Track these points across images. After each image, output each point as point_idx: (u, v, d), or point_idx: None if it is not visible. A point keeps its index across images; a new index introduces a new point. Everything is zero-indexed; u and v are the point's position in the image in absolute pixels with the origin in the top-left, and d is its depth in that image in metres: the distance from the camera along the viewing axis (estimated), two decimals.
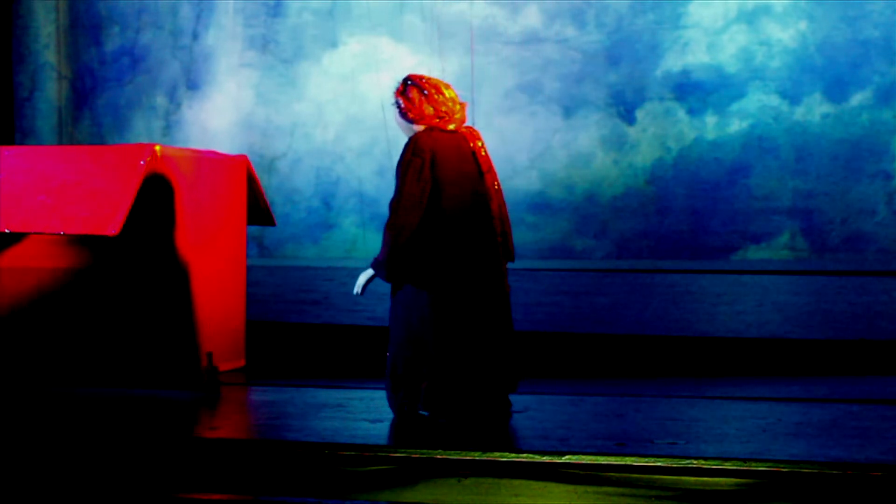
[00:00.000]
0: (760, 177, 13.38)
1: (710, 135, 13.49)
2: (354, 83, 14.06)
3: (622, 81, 13.64)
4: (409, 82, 6.31)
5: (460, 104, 6.33)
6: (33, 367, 7.47)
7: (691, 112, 13.52)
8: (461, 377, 6.14)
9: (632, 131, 13.64)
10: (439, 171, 6.15)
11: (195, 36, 14.57)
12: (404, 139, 6.31)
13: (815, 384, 7.52)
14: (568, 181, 13.74)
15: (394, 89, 6.35)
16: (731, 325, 8.92)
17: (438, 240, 6.13)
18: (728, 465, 5.15)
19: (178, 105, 14.61)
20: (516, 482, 5.14)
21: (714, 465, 5.17)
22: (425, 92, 6.27)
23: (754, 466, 5.13)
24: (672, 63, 13.54)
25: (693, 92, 13.51)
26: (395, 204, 6.12)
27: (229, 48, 14.49)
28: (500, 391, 6.28)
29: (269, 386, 7.51)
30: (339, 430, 6.00)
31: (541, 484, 5.10)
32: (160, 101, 14.66)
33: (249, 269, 8.24)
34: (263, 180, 13.48)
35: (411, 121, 6.29)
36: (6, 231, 7.21)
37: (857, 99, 13.23)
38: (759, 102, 13.37)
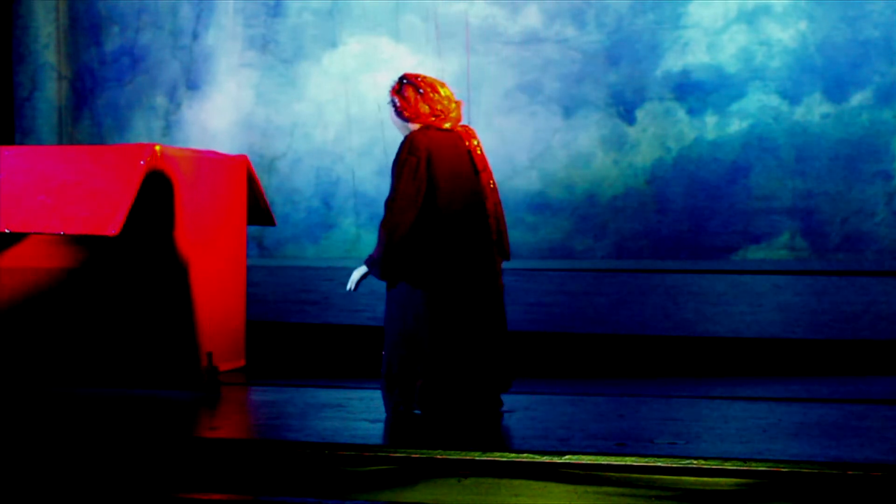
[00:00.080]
0: (760, 177, 13.39)
1: (710, 135, 13.49)
2: (354, 83, 14.07)
3: (622, 81, 13.65)
4: (405, 81, 6.32)
5: (456, 103, 6.34)
6: (33, 367, 7.47)
7: (691, 112, 13.52)
8: (455, 376, 6.15)
9: (632, 131, 13.64)
10: (435, 170, 6.16)
11: (195, 36, 14.57)
12: (401, 138, 6.31)
13: (815, 384, 7.52)
14: (568, 181, 13.74)
15: (389, 88, 6.36)
16: (731, 325, 8.92)
17: (434, 238, 6.14)
18: (728, 465, 5.15)
19: (178, 105, 14.62)
20: (516, 482, 5.14)
21: (714, 465, 5.17)
22: (421, 91, 6.27)
23: (754, 466, 5.13)
24: (672, 63, 13.54)
25: (693, 92, 13.51)
26: (390, 202, 6.13)
27: (229, 48, 14.49)
28: (493, 390, 6.30)
29: (269, 386, 7.51)
30: (339, 430, 5.99)
31: (541, 484, 5.10)
32: (160, 101, 14.66)
33: (249, 269, 8.24)
34: (263, 180, 13.48)
35: (407, 119, 6.30)
36: (6, 231, 7.21)
37: (857, 99, 13.23)
38: (759, 102, 13.38)
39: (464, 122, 6.47)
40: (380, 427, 6.12)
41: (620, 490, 5.01)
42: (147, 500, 5.03)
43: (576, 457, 5.32)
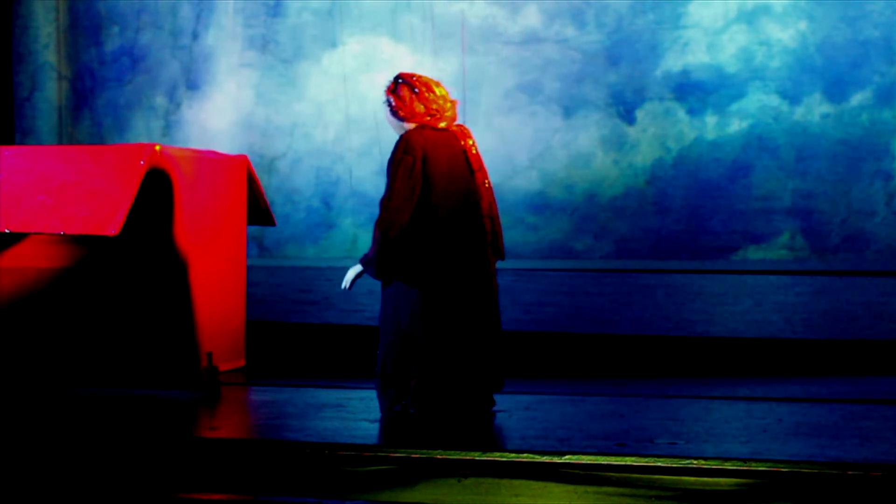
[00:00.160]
0: (760, 177, 13.39)
1: (710, 135, 13.49)
2: (354, 83, 14.07)
3: (622, 81, 13.65)
4: (400, 80, 6.33)
5: (451, 102, 6.34)
6: (33, 367, 7.47)
7: (691, 112, 13.52)
8: (450, 375, 6.16)
9: (632, 131, 13.64)
10: (430, 169, 6.16)
11: (195, 36, 14.57)
12: (396, 137, 6.32)
13: (815, 384, 7.52)
14: (568, 181, 13.74)
15: (385, 88, 6.36)
16: (731, 325, 8.92)
17: (428, 237, 6.15)
18: (728, 465, 5.15)
19: (178, 105, 14.62)
20: (516, 482, 5.14)
21: (714, 465, 5.17)
22: (416, 90, 6.28)
23: (754, 466, 5.13)
24: (672, 63, 13.54)
25: (693, 92, 13.51)
26: (385, 201, 6.14)
27: (229, 48, 14.49)
28: (486, 389, 6.30)
29: (269, 386, 7.51)
30: (339, 430, 5.99)
31: (541, 484, 5.10)
32: (160, 101, 14.66)
33: (249, 269, 8.24)
34: (263, 180, 13.48)
35: (402, 119, 6.31)
36: (6, 231, 7.21)
37: (857, 99, 13.23)
38: (759, 102, 13.37)
39: (460, 121, 6.48)
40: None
41: (620, 490, 5.01)
42: (147, 500, 5.03)
43: (576, 457, 5.32)
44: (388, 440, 5.87)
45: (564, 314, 9.46)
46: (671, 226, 13.55)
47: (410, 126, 6.29)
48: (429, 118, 6.28)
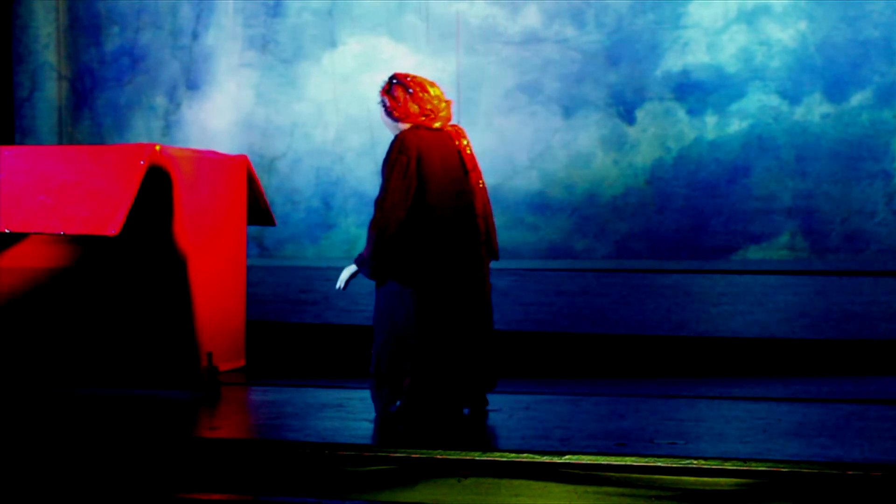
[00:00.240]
0: (760, 177, 13.39)
1: (710, 135, 13.49)
2: (354, 83, 14.07)
3: (622, 81, 13.64)
4: (395, 81, 6.34)
5: (445, 102, 6.35)
6: (33, 367, 7.47)
7: (691, 112, 13.52)
8: (443, 374, 6.16)
9: (632, 131, 13.64)
10: (424, 169, 6.17)
11: (195, 36, 14.57)
12: (391, 137, 6.34)
13: (815, 384, 7.52)
14: (568, 181, 13.74)
15: (379, 88, 6.38)
16: (731, 325, 8.92)
17: (423, 237, 6.16)
18: (728, 465, 5.15)
19: (178, 105, 14.62)
20: (516, 482, 5.14)
21: (714, 465, 5.17)
22: (410, 90, 6.29)
23: (754, 466, 5.13)
24: (672, 63, 13.54)
25: (693, 92, 13.51)
26: (380, 201, 6.16)
27: (229, 48, 14.49)
28: (480, 389, 6.31)
29: (269, 386, 7.51)
30: (339, 430, 6.00)
31: (541, 484, 5.10)
32: (160, 101, 14.66)
33: (249, 269, 8.24)
34: (263, 180, 13.49)
35: (397, 119, 6.32)
36: (6, 231, 7.21)
37: (857, 99, 13.23)
38: (759, 102, 13.37)
39: (459, 121, 6.48)
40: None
41: (620, 490, 5.01)
42: (147, 500, 5.02)
43: (576, 457, 5.32)
44: (382, 440, 5.86)
45: (564, 314, 9.46)
46: (671, 226, 13.55)
47: (405, 126, 6.30)
48: (423, 118, 6.29)
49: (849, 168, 13.24)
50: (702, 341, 8.31)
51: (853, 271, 11.69)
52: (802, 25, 13.32)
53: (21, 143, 14.36)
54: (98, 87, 14.78)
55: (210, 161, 7.77)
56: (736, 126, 13.43)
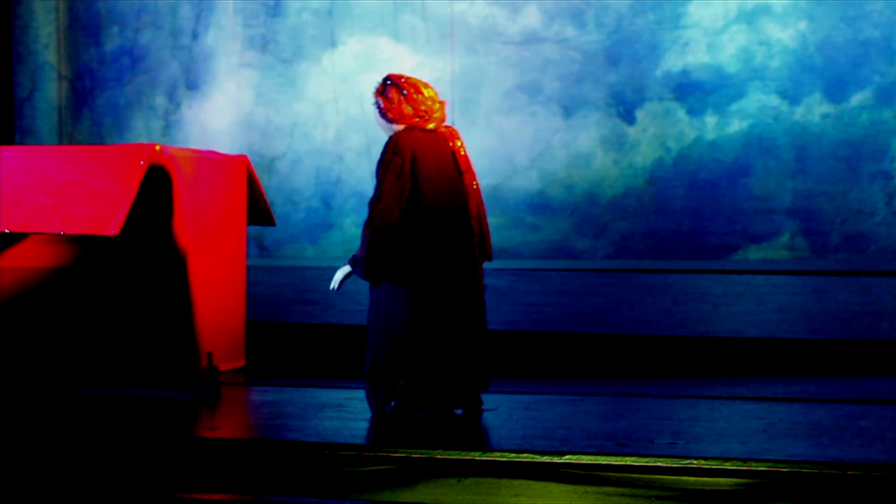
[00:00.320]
0: (760, 177, 13.38)
1: (710, 135, 13.49)
2: (354, 83, 14.06)
3: (622, 81, 13.64)
4: (389, 82, 6.35)
5: (439, 103, 6.37)
6: (33, 367, 7.47)
7: (691, 112, 13.52)
8: (437, 375, 6.17)
9: (632, 131, 13.64)
10: (419, 171, 6.19)
11: (195, 36, 14.57)
12: (385, 139, 6.34)
13: (815, 384, 7.52)
14: (568, 181, 13.74)
15: (373, 90, 6.39)
16: (731, 325, 8.92)
17: (417, 238, 6.17)
18: (728, 465, 5.15)
19: (178, 105, 14.61)
20: (516, 482, 5.14)
21: (714, 465, 5.17)
22: (404, 92, 6.30)
23: (754, 466, 5.13)
24: (672, 63, 13.53)
25: (693, 92, 13.51)
26: (374, 202, 6.17)
27: (229, 48, 14.49)
28: (473, 390, 6.31)
29: (269, 386, 7.51)
30: (339, 430, 6.00)
31: (541, 484, 5.10)
32: (160, 100, 14.66)
33: (249, 269, 8.24)
34: (263, 180, 13.48)
35: (391, 120, 6.33)
36: (6, 231, 7.21)
37: (857, 99, 13.23)
38: (759, 102, 13.37)
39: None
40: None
41: (620, 490, 5.01)
42: (147, 500, 5.02)
43: (576, 457, 5.32)
44: (377, 440, 5.86)
45: (564, 314, 9.46)
46: (671, 226, 13.54)
47: (399, 128, 6.32)
48: (417, 119, 6.30)
49: (849, 168, 13.24)
50: (702, 341, 8.31)
51: (853, 271, 11.69)
52: (802, 25, 13.31)
53: (21, 143, 14.36)
54: (98, 87, 14.77)
55: (210, 161, 7.77)
56: (736, 126, 13.43)
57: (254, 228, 9.76)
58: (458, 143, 6.39)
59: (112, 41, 14.73)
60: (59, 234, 7.26)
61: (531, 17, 13.84)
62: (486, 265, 6.65)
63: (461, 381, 6.26)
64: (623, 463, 5.24)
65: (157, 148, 7.25)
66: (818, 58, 13.29)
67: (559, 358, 8.24)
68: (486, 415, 6.32)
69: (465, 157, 6.41)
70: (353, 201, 14.02)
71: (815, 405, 6.70)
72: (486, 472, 5.24)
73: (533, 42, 13.83)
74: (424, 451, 5.44)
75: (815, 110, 13.28)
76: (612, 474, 5.18)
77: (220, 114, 14.49)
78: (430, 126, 6.32)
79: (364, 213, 6.27)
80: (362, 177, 13.96)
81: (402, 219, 6.15)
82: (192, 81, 14.58)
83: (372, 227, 6.13)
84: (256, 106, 14.43)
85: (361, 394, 6.93)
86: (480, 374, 6.34)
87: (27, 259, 7.52)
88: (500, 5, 13.89)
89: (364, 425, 6.15)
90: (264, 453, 5.55)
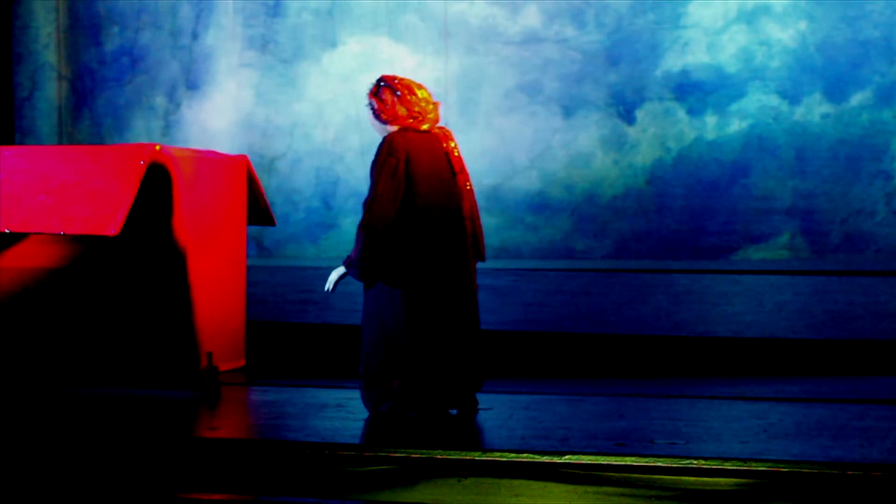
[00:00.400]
0: (760, 177, 13.39)
1: (710, 135, 13.49)
2: (354, 83, 14.06)
3: (622, 81, 13.65)
4: (382, 83, 6.36)
5: (433, 104, 6.37)
6: (33, 367, 7.47)
7: (691, 112, 13.52)
8: (432, 376, 6.17)
9: (632, 131, 13.64)
10: (413, 172, 6.19)
11: (195, 36, 14.57)
12: (378, 139, 6.35)
13: (815, 384, 7.52)
14: (568, 181, 13.74)
15: (367, 91, 6.40)
16: (731, 325, 8.92)
17: (411, 239, 6.17)
18: (728, 465, 5.15)
19: (178, 105, 14.62)
20: (516, 482, 5.14)
21: (714, 465, 5.17)
22: (398, 93, 6.31)
23: (754, 466, 5.13)
24: (672, 63, 13.54)
25: (693, 92, 13.51)
26: (368, 204, 6.18)
27: (229, 48, 14.49)
28: (467, 390, 6.31)
29: (269, 386, 7.51)
30: (339, 430, 6.00)
31: (541, 484, 5.10)
32: (160, 101, 14.66)
33: (249, 269, 8.24)
34: (263, 180, 13.48)
35: (385, 122, 6.34)
36: (6, 231, 7.21)
37: (857, 99, 13.23)
38: (758, 102, 13.37)
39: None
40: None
41: (620, 490, 5.01)
42: (147, 500, 5.03)
43: (576, 457, 5.32)
44: (373, 440, 5.86)
45: (564, 314, 9.46)
46: (671, 226, 13.55)
47: (393, 129, 6.33)
48: (411, 121, 6.31)
49: (849, 168, 13.25)
50: (702, 341, 8.31)
51: (853, 271, 11.69)
52: (802, 25, 13.32)
53: (21, 143, 14.36)
54: (98, 87, 14.78)
55: (210, 161, 7.77)
56: (736, 126, 13.43)
57: (254, 228, 9.76)
58: (452, 144, 6.40)
59: (112, 41, 14.73)
60: (59, 234, 7.26)
61: (531, 17, 13.84)
62: (483, 265, 6.65)
63: (456, 381, 6.26)
64: (623, 463, 5.24)
65: (157, 148, 7.25)
66: (818, 58, 13.29)
67: (559, 358, 8.24)
68: (486, 415, 6.33)
69: (459, 157, 6.42)
70: (352, 201, 14.02)
71: (815, 405, 6.70)
72: (486, 472, 5.24)
73: (533, 42, 13.83)
74: (424, 451, 5.44)
75: (815, 110, 13.28)
76: (612, 474, 5.18)
77: (220, 114, 14.49)
78: (424, 127, 6.33)
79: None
80: (362, 177, 13.96)
81: (396, 219, 6.16)
82: (192, 81, 14.58)
83: (366, 228, 6.14)
84: (256, 106, 14.43)
85: None
86: (475, 374, 6.34)
87: (27, 259, 7.52)
88: (500, 5, 13.89)
89: (364, 425, 6.15)
90: (264, 453, 5.56)
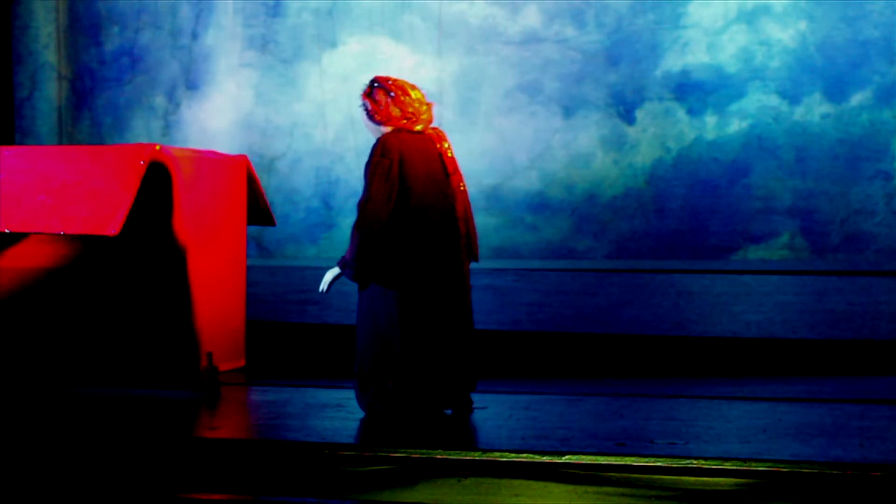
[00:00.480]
0: (760, 177, 13.39)
1: (710, 135, 13.49)
2: (354, 83, 14.05)
3: (622, 81, 13.65)
4: (376, 84, 6.36)
5: (427, 105, 6.38)
6: (33, 367, 7.47)
7: (691, 112, 13.52)
8: (426, 376, 6.17)
9: (632, 131, 13.64)
10: (406, 172, 6.20)
11: (194, 36, 14.57)
12: (372, 140, 6.35)
13: (815, 384, 7.52)
14: (568, 181, 13.74)
15: (361, 92, 6.40)
16: (731, 325, 8.92)
17: (405, 240, 6.18)
18: (728, 465, 5.15)
19: (178, 105, 14.62)
20: (516, 482, 5.14)
21: (714, 465, 5.17)
22: (392, 94, 6.31)
23: (754, 466, 5.13)
24: (672, 63, 13.54)
25: (693, 92, 13.51)
26: (362, 204, 6.19)
27: (229, 48, 14.49)
28: (461, 390, 6.31)
29: (269, 386, 7.51)
30: (339, 430, 6.00)
31: (541, 484, 5.10)
32: (159, 101, 14.66)
33: (249, 269, 8.24)
34: (263, 180, 13.48)
35: (379, 123, 6.34)
36: (6, 231, 7.21)
37: (857, 99, 13.23)
38: (758, 102, 13.38)
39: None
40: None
41: (620, 490, 5.01)
42: (147, 500, 5.03)
43: (576, 457, 5.32)
44: (370, 440, 5.86)
45: (564, 314, 9.46)
46: (671, 226, 13.55)
47: (387, 129, 6.33)
48: (405, 121, 6.31)
49: (849, 168, 13.25)
50: (702, 341, 8.31)
51: (853, 271, 11.69)
52: (802, 25, 13.32)
53: (21, 143, 14.36)
54: (98, 87, 14.78)
55: (210, 161, 7.77)
56: (736, 126, 13.44)
57: (254, 228, 9.75)
58: (446, 145, 6.41)
59: (112, 41, 14.73)
60: (59, 234, 7.26)
61: (531, 17, 13.84)
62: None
63: (450, 380, 6.26)
64: (623, 463, 5.24)
65: (157, 148, 7.25)
66: (818, 58, 13.29)
67: (559, 358, 8.24)
68: (485, 415, 6.33)
69: (453, 158, 6.42)
70: (352, 201, 13.97)
71: (815, 405, 6.70)
72: (486, 472, 5.24)
73: (533, 42, 13.83)
74: (424, 451, 5.44)
75: (815, 110, 13.29)
76: (612, 474, 5.18)
77: (219, 114, 14.49)
78: (418, 128, 6.33)
79: None
80: (362, 177, 13.97)
81: (390, 220, 6.17)
82: (192, 81, 14.58)
83: (360, 229, 6.15)
84: (256, 106, 14.43)
85: None
86: (468, 374, 6.34)
87: (27, 259, 7.52)
88: (499, 5, 13.89)
89: (360, 425, 6.15)
90: (264, 453, 5.56)
